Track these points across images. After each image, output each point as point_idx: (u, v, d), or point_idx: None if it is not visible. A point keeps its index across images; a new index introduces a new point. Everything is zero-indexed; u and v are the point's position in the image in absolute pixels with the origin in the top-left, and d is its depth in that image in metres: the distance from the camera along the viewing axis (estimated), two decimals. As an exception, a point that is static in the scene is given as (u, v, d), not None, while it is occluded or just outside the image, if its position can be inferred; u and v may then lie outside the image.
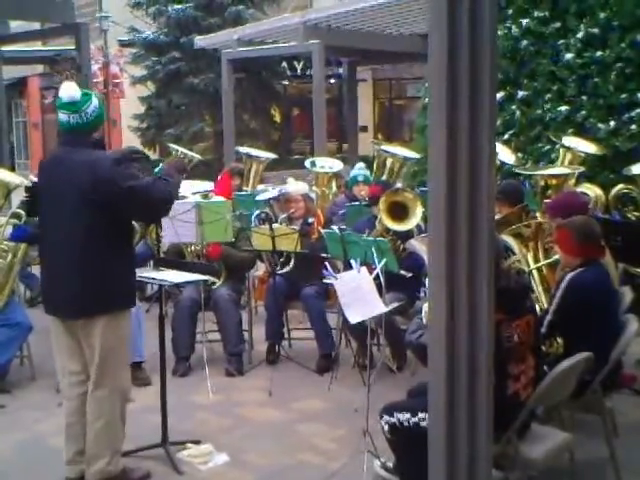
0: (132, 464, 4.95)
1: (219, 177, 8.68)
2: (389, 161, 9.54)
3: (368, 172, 9.07)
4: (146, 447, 5.18)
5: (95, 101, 4.63)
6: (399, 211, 6.65)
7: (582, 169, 7.50)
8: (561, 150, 8.05)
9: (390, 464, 4.42)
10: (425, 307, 4.17)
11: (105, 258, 4.55)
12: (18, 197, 7.28)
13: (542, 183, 7.27)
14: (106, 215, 4.49)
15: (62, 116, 4.58)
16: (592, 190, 7.68)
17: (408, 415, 4.09)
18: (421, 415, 3.98)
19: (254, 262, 7.66)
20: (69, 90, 4.56)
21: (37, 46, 27.29)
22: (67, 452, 4.76)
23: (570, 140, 8.19)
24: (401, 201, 6.66)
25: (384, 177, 9.34)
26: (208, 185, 7.64)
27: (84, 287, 4.54)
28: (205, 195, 7.18)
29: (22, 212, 6.76)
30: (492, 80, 2.61)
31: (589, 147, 8.04)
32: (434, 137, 2.67)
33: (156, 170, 10.69)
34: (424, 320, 4.19)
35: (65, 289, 4.59)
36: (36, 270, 7.83)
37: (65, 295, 4.60)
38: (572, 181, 7.25)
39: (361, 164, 9.64)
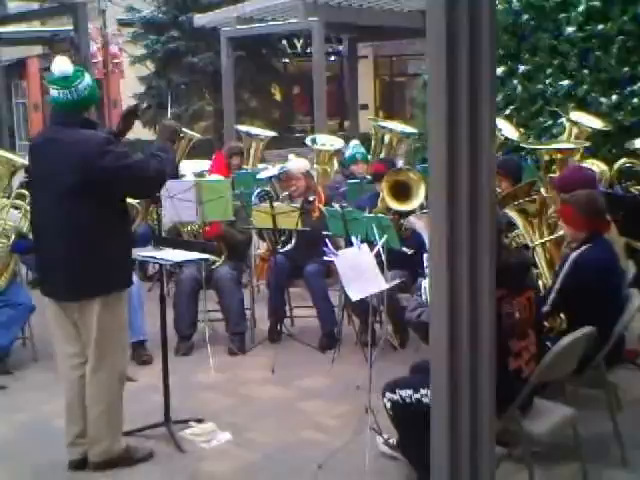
0: (135, 443, 4.95)
1: (213, 157, 8.67)
2: (387, 137, 9.51)
3: (363, 149, 9.03)
4: (149, 426, 5.18)
5: (87, 79, 4.56)
6: (402, 191, 6.62)
7: (587, 144, 7.46)
8: (567, 125, 8.00)
9: (393, 441, 4.42)
10: (425, 284, 4.16)
11: (99, 239, 4.51)
12: (17, 179, 7.30)
13: (546, 158, 7.23)
14: (99, 195, 4.44)
15: (53, 92, 4.52)
16: (597, 165, 7.64)
17: (410, 391, 4.09)
18: (423, 391, 3.98)
19: (250, 241, 7.64)
20: (61, 65, 4.50)
21: (35, 27, 27.16)
22: (68, 434, 4.77)
23: (577, 115, 8.14)
24: (404, 181, 6.63)
25: (382, 153, 9.32)
26: (204, 164, 7.63)
27: (78, 269, 4.50)
28: (200, 174, 7.16)
29: (26, 192, 6.75)
30: (492, 56, 2.59)
31: (595, 122, 7.99)
32: (433, 113, 2.65)
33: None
34: (424, 297, 4.17)
35: (59, 271, 4.56)
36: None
37: (60, 277, 4.57)
38: (577, 156, 7.21)
39: (356, 141, 9.62)
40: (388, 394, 4.20)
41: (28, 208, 6.68)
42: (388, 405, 4.21)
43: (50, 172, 4.49)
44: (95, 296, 4.53)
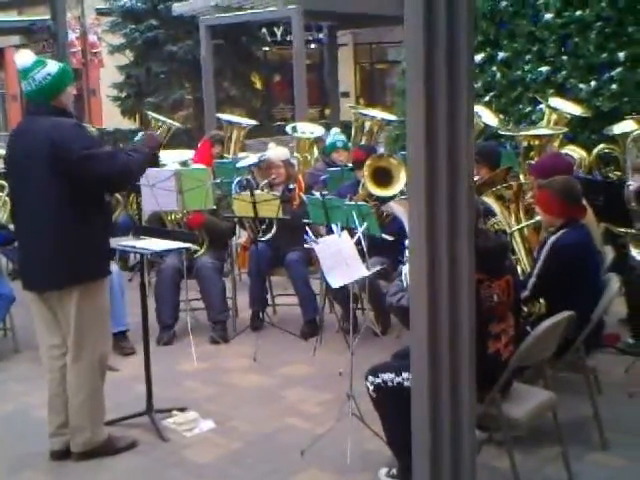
0: (118, 433, 4.96)
1: (199, 145, 8.63)
2: (367, 124, 9.52)
3: (344, 137, 9.03)
4: (131, 415, 5.18)
5: (48, 68, 4.54)
6: (383, 177, 6.63)
7: (565, 130, 7.49)
8: (547, 111, 8.03)
9: (394, 472, 4.38)
10: (405, 270, 4.18)
11: (75, 227, 4.49)
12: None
13: (525, 144, 7.26)
14: (71, 182, 4.43)
15: (22, 84, 4.60)
16: (576, 152, 7.68)
17: (392, 375, 4.11)
18: (405, 375, 4.01)
19: (234, 231, 7.64)
20: (21, 57, 4.58)
21: (13, 16, 26.96)
22: (50, 425, 4.77)
23: (556, 101, 8.17)
24: (385, 167, 6.65)
25: (363, 141, 9.33)
26: (188, 154, 7.60)
27: (55, 258, 4.49)
28: (184, 163, 7.14)
29: (4, 183, 6.73)
30: (469, 42, 2.60)
31: (574, 109, 8.02)
32: (412, 101, 2.66)
33: (135, 139, 10.64)
34: (404, 282, 4.20)
35: (37, 261, 4.56)
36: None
37: (37, 267, 4.57)
38: (556, 143, 7.24)
39: (336, 129, 9.62)
40: (370, 377, 4.22)
41: (7, 199, 6.68)
42: (371, 388, 4.23)
43: (25, 161, 4.51)
44: (73, 284, 4.52)
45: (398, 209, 4.62)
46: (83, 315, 4.57)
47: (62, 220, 4.47)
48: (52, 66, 4.58)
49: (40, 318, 4.71)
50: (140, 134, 10.97)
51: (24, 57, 4.57)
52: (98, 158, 4.50)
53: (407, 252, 4.19)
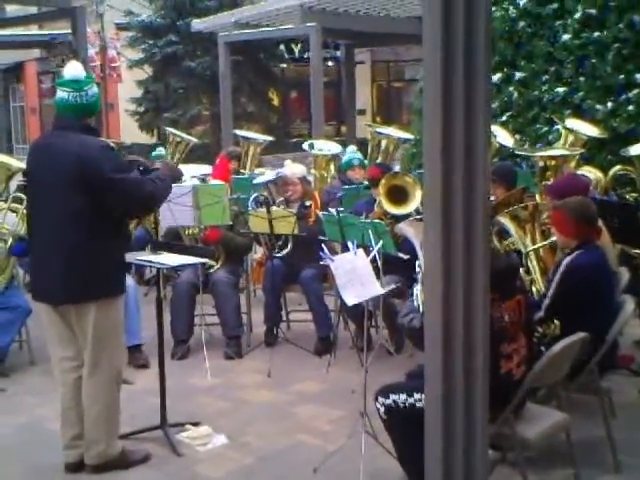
0: (131, 446, 4.97)
1: (217, 161, 8.68)
2: (384, 142, 9.54)
3: (360, 155, 9.05)
4: (145, 429, 5.20)
5: (95, 87, 4.65)
6: (399, 195, 6.64)
7: (582, 151, 7.49)
8: (563, 131, 8.04)
9: None
10: (417, 290, 4.18)
11: (95, 244, 4.51)
12: (14, 182, 7.32)
13: (541, 164, 7.26)
14: (93, 201, 4.45)
15: (61, 94, 4.55)
16: (592, 173, 7.67)
17: (404, 396, 4.10)
18: (417, 396, 4.00)
19: (251, 247, 7.67)
20: (74, 69, 4.57)
21: (34, 30, 27.19)
22: (64, 437, 4.78)
23: (573, 122, 8.17)
24: (401, 185, 6.66)
25: (379, 159, 9.35)
26: (206, 169, 7.64)
27: (74, 274, 4.51)
28: (203, 179, 7.17)
29: (23, 196, 6.78)
30: (487, 63, 2.61)
31: (591, 130, 8.01)
32: (429, 119, 2.68)
33: (153, 154, 10.70)
34: (416, 303, 4.19)
35: (55, 275, 4.56)
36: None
37: (55, 282, 4.57)
38: (572, 163, 7.24)
39: (352, 147, 9.64)
40: (381, 399, 4.21)
41: (25, 212, 6.72)
42: (381, 410, 4.22)
43: (50, 175, 4.50)
44: (90, 301, 4.55)
45: (408, 230, 4.61)
46: (100, 330, 4.59)
47: (81, 235, 4.49)
48: (96, 86, 4.68)
49: (52, 330, 4.73)
50: (158, 149, 11.06)
51: (77, 69, 4.57)
52: (130, 182, 4.54)
53: (419, 272, 4.23)
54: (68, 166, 4.41)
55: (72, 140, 4.49)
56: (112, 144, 4.79)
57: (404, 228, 4.77)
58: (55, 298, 4.63)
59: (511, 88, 9.89)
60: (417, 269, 4.26)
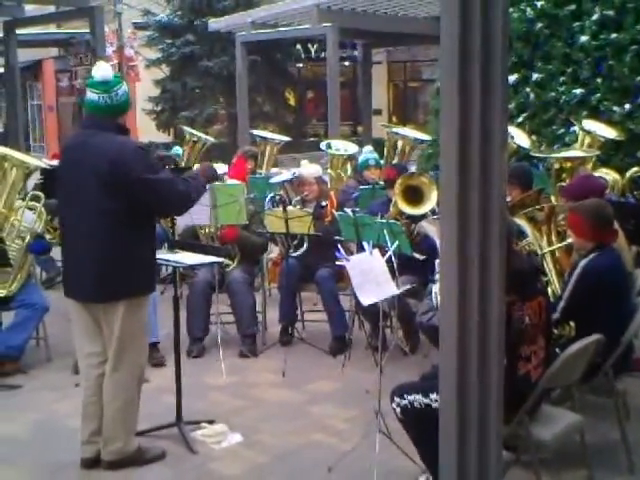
0: (147, 443, 5.00)
1: (233, 160, 8.71)
2: (400, 143, 9.54)
3: (376, 155, 9.06)
4: (161, 426, 5.24)
5: (125, 86, 4.67)
6: (414, 195, 6.64)
7: (597, 152, 7.47)
8: (580, 133, 8.02)
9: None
10: (435, 289, 4.18)
11: (127, 242, 4.55)
12: (32, 180, 7.37)
13: (557, 166, 7.25)
14: (126, 201, 4.48)
15: (92, 95, 4.57)
16: (609, 174, 7.65)
17: (419, 396, 4.10)
18: (432, 396, 4.00)
19: (267, 246, 7.69)
20: (103, 70, 4.58)
21: (52, 29, 27.32)
22: (83, 432, 4.81)
23: (590, 124, 8.15)
24: (416, 185, 6.66)
25: (395, 159, 9.36)
26: (222, 168, 7.66)
27: (106, 272, 4.54)
28: (220, 178, 7.19)
29: (41, 194, 6.83)
30: (504, 63, 2.62)
31: (608, 131, 7.99)
32: (445, 120, 2.69)
33: (171, 151, 10.73)
34: (434, 302, 4.20)
35: (87, 273, 4.59)
36: (53, 253, 7.91)
37: (87, 279, 4.60)
38: (589, 165, 7.22)
39: (369, 147, 9.65)
40: (397, 399, 4.21)
41: (43, 210, 6.77)
42: (398, 410, 4.22)
43: (80, 174, 4.52)
44: (121, 299, 4.59)
45: (431, 229, 4.63)
46: (127, 328, 4.63)
47: (113, 235, 4.52)
48: (125, 84, 4.69)
49: (80, 325, 4.76)
50: (175, 148, 11.10)
51: (106, 70, 4.58)
52: (163, 182, 4.58)
53: (438, 271, 4.23)
54: (102, 166, 4.43)
55: (106, 140, 4.51)
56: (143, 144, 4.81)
57: (426, 226, 4.79)
58: (86, 296, 4.67)
59: (528, 89, 9.87)
60: (437, 267, 4.27)
